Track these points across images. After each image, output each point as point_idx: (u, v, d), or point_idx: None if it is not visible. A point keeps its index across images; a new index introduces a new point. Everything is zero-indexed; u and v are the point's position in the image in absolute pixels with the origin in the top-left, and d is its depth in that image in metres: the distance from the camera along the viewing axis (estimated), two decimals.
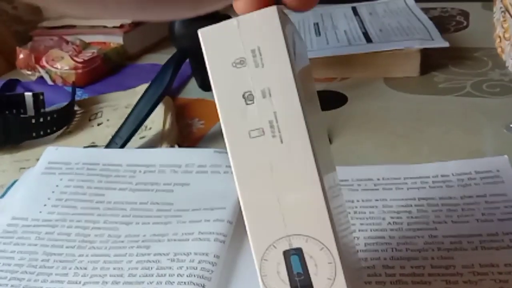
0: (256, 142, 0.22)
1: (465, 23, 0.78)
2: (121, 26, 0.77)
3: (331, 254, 0.22)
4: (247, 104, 0.22)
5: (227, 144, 0.22)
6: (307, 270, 0.22)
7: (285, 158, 0.22)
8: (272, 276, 0.22)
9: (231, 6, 0.22)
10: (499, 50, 0.65)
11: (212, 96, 0.23)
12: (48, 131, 0.56)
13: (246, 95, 0.22)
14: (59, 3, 0.11)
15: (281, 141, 0.22)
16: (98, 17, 0.66)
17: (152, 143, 0.52)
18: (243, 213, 0.22)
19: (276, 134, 0.22)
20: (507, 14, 0.61)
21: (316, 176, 0.22)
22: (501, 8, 0.63)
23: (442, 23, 0.76)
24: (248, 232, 0.22)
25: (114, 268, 0.36)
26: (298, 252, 0.22)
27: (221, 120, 0.22)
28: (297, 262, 0.22)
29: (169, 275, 0.35)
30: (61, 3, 0.11)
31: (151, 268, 0.36)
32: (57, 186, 0.45)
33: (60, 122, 0.57)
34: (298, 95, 0.22)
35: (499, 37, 0.64)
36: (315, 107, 0.27)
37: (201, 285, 0.34)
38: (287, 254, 0.22)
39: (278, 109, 0.22)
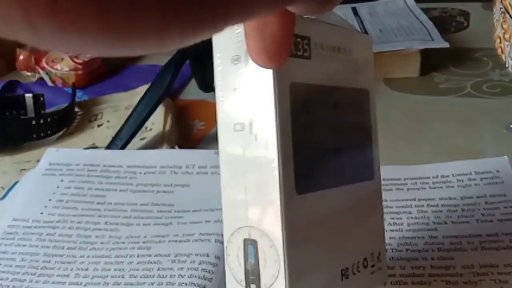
0: (237, 135, 0.23)
1: (465, 24, 0.78)
2: None
3: (278, 254, 0.23)
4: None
5: (218, 133, 0.24)
6: (258, 262, 0.23)
7: (256, 157, 0.23)
8: (234, 257, 0.24)
9: None
10: (499, 50, 0.65)
11: (212, 97, 0.24)
12: (49, 132, 0.56)
13: (236, 90, 0.23)
14: (23, 37, 0.12)
15: (255, 139, 0.23)
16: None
17: (153, 144, 0.52)
18: (221, 194, 0.24)
19: (252, 132, 0.23)
20: (507, 15, 0.61)
21: (276, 185, 0.22)
22: (501, 9, 0.63)
23: (442, 24, 0.76)
24: (222, 214, 0.24)
25: (115, 269, 0.36)
26: (254, 243, 0.23)
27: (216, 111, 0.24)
28: (252, 251, 0.24)
29: (170, 276, 0.35)
30: (25, 38, 0.12)
31: (152, 269, 0.36)
32: (57, 187, 0.45)
33: (61, 123, 0.57)
34: (275, 101, 0.22)
35: (499, 37, 0.64)
36: (339, 112, 0.27)
37: (202, 285, 0.34)
38: (245, 242, 0.24)
39: (257, 110, 0.23)
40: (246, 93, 0.23)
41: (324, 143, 0.25)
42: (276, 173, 0.23)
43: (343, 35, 0.27)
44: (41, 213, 0.42)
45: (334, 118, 0.26)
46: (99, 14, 0.11)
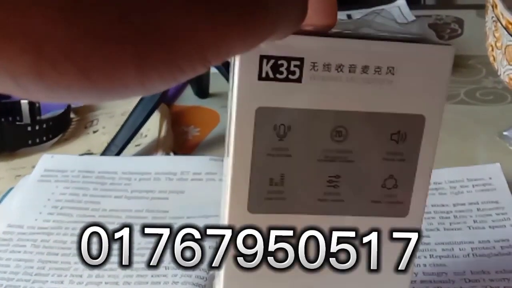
0: (226, 143, 0.25)
1: (459, 31, 0.79)
2: None
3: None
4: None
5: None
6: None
7: (227, 170, 0.25)
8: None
9: None
10: (491, 58, 0.65)
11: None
12: (44, 138, 0.56)
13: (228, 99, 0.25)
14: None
15: (228, 154, 0.25)
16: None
17: (148, 151, 0.52)
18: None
19: (227, 146, 0.25)
20: (498, 23, 0.61)
21: (227, 203, 0.25)
22: (492, 17, 0.63)
23: (437, 31, 0.76)
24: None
25: (109, 276, 0.36)
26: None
27: None
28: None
29: (163, 283, 0.35)
30: (16, 95, 0.14)
31: (146, 276, 0.36)
32: (52, 193, 0.45)
33: (56, 129, 0.57)
34: (233, 124, 0.23)
35: (491, 46, 0.65)
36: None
37: None
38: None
39: (228, 127, 0.24)
40: (228, 106, 0.24)
41: (311, 169, 0.24)
42: (228, 191, 0.24)
43: (378, 52, 0.23)
44: (36, 220, 0.42)
45: (334, 145, 0.24)
46: (80, 77, 0.13)
